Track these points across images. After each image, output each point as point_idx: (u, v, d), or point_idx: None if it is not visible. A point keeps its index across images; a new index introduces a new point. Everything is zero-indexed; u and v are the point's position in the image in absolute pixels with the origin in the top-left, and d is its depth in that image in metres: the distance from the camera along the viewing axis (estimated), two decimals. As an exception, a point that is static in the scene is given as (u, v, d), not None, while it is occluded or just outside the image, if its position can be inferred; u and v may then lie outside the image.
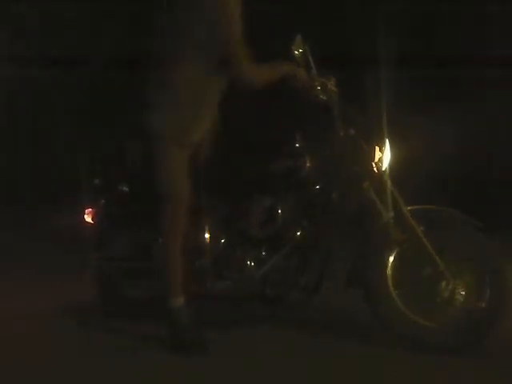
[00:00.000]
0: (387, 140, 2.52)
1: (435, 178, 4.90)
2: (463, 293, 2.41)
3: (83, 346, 2.42)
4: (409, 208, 2.45)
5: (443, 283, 2.39)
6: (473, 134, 5.34)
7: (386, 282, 2.43)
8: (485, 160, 5.57)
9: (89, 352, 2.31)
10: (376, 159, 2.50)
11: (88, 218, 2.77)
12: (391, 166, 2.52)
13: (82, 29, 6.17)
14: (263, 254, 2.56)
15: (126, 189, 2.73)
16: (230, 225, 2.60)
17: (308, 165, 2.55)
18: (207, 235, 2.55)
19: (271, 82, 2.35)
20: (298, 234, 2.55)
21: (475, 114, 5.52)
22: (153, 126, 2.33)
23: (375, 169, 2.50)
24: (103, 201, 2.77)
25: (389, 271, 2.44)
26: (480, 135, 5.48)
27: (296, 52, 2.38)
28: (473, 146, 5.38)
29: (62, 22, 6.25)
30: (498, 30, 5.66)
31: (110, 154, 2.82)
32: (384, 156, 2.51)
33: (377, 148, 2.50)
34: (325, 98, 2.46)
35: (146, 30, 2.58)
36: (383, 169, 2.50)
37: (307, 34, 2.41)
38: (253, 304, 2.59)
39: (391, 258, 2.45)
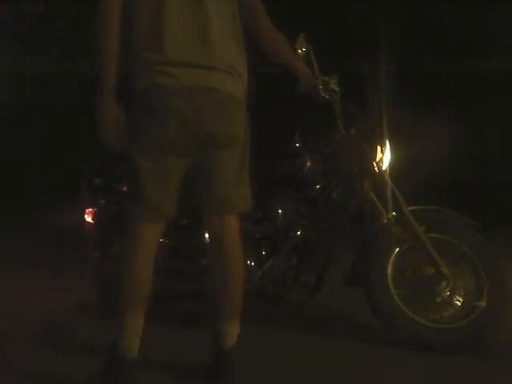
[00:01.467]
0: (388, 140, 2.52)
1: (435, 178, 4.91)
2: (463, 293, 2.42)
3: (83, 345, 2.42)
4: (410, 208, 2.45)
5: (443, 283, 2.40)
6: (473, 134, 5.35)
7: (386, 282, 2.43)
8: (484, 160, 5.57)
9: (89, 352, 2.31)
10: (377, 159, 2.50)
11: (88, 218, 2.77)
12: (392, 165, 2.52)
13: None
14: (263, 253, 2.56)
15: (126, 188, 2.73)
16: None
17: (308, 165, 2.55)
18: (207, 235, 2.55)
19: (279, 56, 2.20)
20: (298, 233, 2.55)
21: (475, 114, 5.52)
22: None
23: (376, 169, 2.50)
24: (103, 201, 2.77)
25: (389, 271, 2.44)
26: (480, 135, 5.49)
27: (299, 51, 2.38)
28: (473, 147, 5.39)
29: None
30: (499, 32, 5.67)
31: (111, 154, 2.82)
32: (384, 156, 2.51)
33: (378, 148, 2.51)
34: (327, 97, 2.46)
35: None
36: (384, 169, 2.51)
37: (308, 32, 2.41)
38: (253, 304, 2.59)
39: (391, 258, 2.46)
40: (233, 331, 2.05)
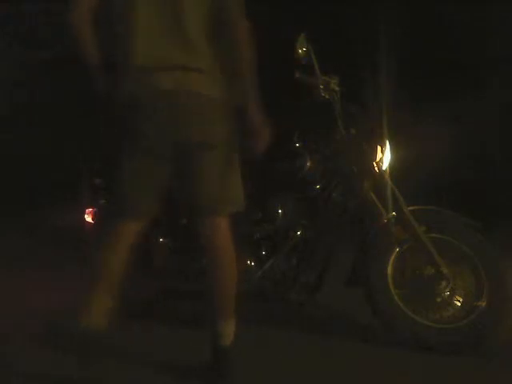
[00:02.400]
0: (388, 140, 2.52)
1: (435, 178, 4.91)
2: (463, 293, 2.42)
3: (83, 345, 2.41)
4: (410, 208, 2.45)
5: (443, 283, 2.40)
6: (472, 134, 5.35)
7: (386, 282, 2.43)
8: (484, 160, 5.57)
9: (88, 352, 2.31)
10: (377, 159, 2.50)
11: (88, 218, 2.77)
12: (392, 165, 2.52)
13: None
14: (263, 253, 2.56)
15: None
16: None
17: (308, 165, 2.55)
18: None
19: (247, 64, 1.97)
20: (298, 233, 2.55)
21: (475, 114, 5.52)
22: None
23: (376, 169, 2.50)
24: (103, 201, 2.77)
25: (389, 271, 2.44)
26: (479, 135, 5.48)
27: (300, 51, 2.39)
28: (472, 147, 5.38)
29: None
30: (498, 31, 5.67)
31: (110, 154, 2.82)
32: (384, 156, 2.51)
33: (378, 148, 2.51)
34: (327, 97, 2.46)
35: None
36: (384, 169, 2.51)
37: (309, 32, 2.41)
38: (253, 304, 2.59)
39: (391, 258, 2.46)
40: (229, 329, 2.07)
